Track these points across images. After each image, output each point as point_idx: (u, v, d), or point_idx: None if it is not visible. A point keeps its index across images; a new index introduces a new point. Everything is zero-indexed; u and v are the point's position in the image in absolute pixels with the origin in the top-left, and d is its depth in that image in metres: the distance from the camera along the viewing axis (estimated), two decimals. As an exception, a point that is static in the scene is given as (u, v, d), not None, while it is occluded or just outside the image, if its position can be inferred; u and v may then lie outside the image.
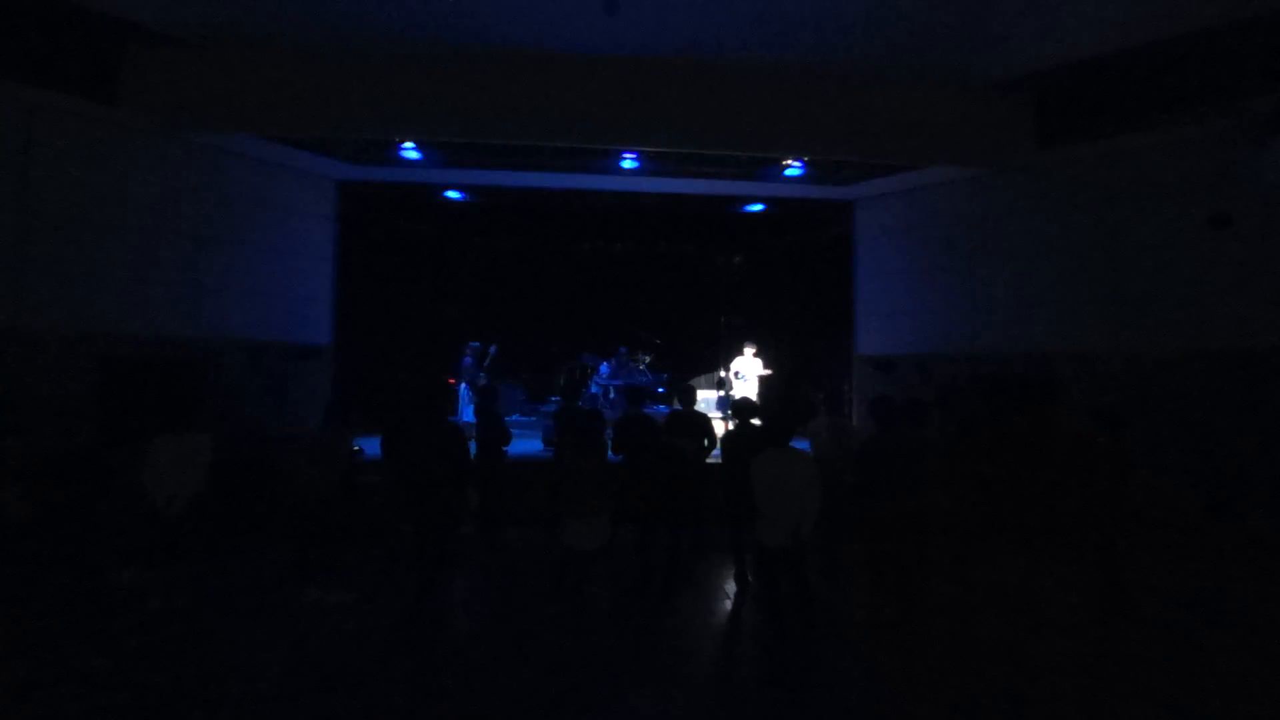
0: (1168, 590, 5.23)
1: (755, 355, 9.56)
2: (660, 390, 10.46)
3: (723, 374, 9.66)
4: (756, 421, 5.65)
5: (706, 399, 10.59)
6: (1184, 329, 6.96)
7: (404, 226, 11.16)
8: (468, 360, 9.43)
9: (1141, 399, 7.04)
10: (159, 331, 7.34)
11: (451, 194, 9.99)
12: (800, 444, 5.03)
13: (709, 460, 6.01)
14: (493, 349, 9.67)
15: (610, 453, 5.79)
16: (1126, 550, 4.96)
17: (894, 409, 4.77)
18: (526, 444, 8.78)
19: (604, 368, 10.40)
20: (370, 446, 7.04)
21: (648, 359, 10.67)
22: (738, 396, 7.60)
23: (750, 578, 5.25)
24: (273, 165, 8.46)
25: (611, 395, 10.04)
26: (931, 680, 3.85)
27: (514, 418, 9.73)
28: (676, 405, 6.27)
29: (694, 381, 10.46)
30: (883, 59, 7.30)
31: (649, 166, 8.59)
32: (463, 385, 9.41)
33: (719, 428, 7.88)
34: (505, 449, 6.34)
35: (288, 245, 8.66)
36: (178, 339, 7.49)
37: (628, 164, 8.50)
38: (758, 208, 10.40)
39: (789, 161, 8.41)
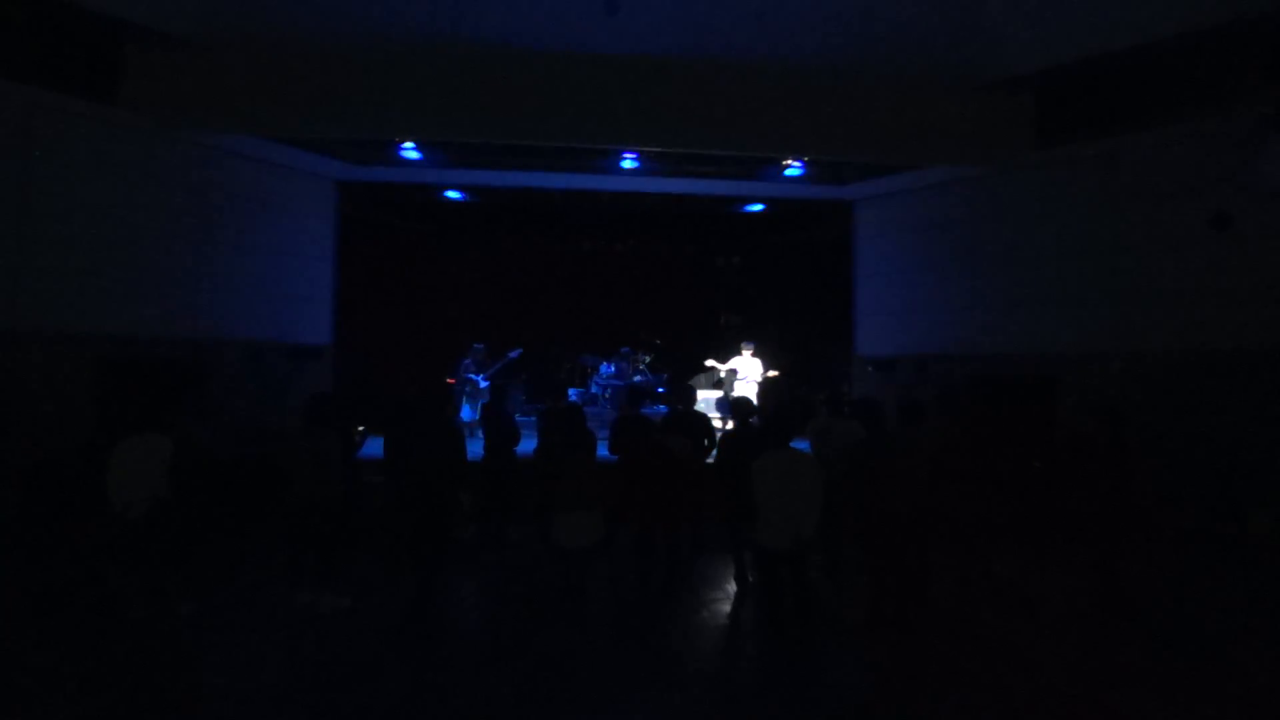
0: (1168, 590, 5.22)
1: (753, 355, 9.53)
2: (660, 390, 10.45)
3: (722, 374, 9.62)
4: (754, 421, 5.64)
5: (706, 399, 10.56)
6: (1184, 329, 6.95)
7: (404, 226, 11.16)
8: (467, 361, 9.40)
9: (1141, 398, 7.04)
10: (159, 331, 7.33)
11: (451, 194, 9.99)
12: (800, 444, 5.02)
13: (709, 460, 6.00)
14: (513, 354, 9.60)
15: (607, 452, 5.78)
16: (1127, 550, 4.96)
17: (881, 410, 4.77)
18: (526, 444, 8.76)
19: (605, 368, 10.39)
20: (371, 447, 7.04)
21: (648, 359, 10.66)
22: (736, 396, 7.58)
23: (750, 578, 5.25)
24: (273, 165, 8.46)
25: (609, 394, 10.02)
26: (931, 680, 3.85)
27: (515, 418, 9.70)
28: (676, 405, 6.26)
29: (693, 381, 10.45)
30: (883, 59, 7.31)
31: (649, 166, 8.60)
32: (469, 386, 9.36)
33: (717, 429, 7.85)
34: (514, 449, 6.35)
35: (288, 245, 8.65)
36: (178, 339, 7.48)
37: (628, 164, 8.50)
38: (758, 208, 10.40)
39: (789, 161, 8.41)
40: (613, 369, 10.28)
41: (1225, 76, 6.60)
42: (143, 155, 7.24)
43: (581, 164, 8.60)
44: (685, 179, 8.99)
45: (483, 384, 9.04)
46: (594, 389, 10.31)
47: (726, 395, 9.33)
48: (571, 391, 10.45)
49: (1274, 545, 6.11)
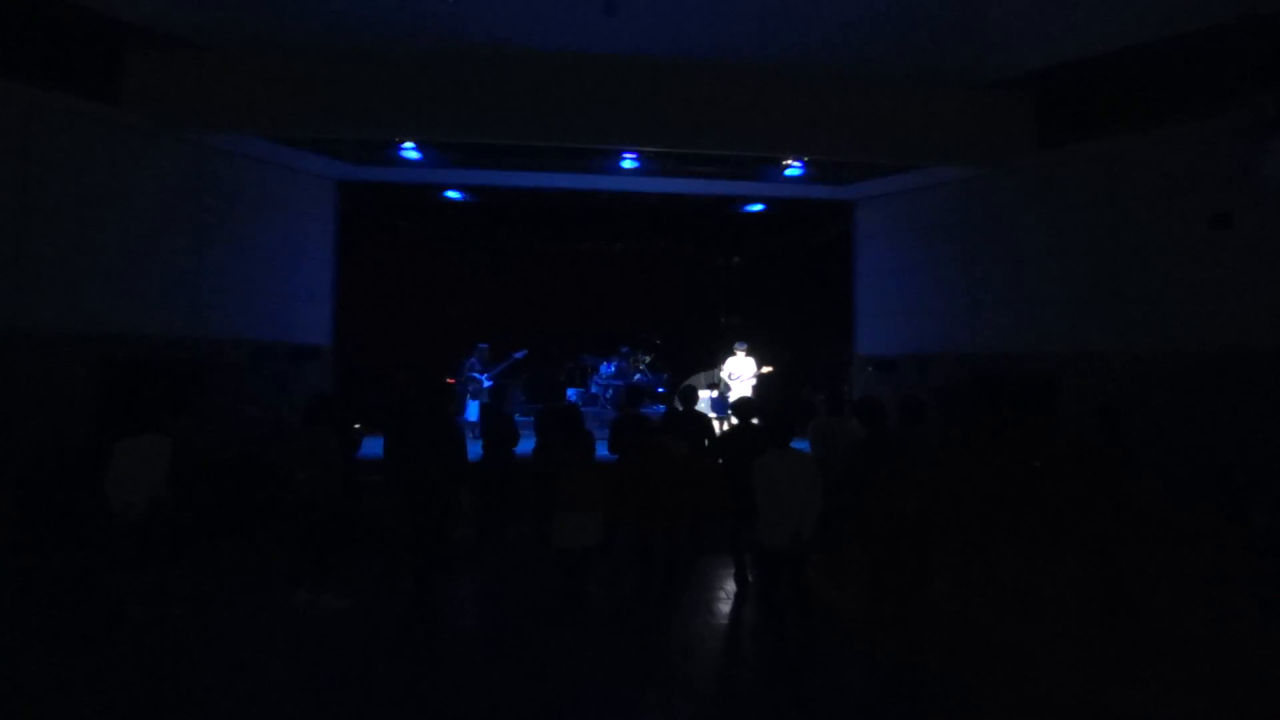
0: (1167, 590, 5.22)
1: (748, 354, 9.49)
2: (660, 390, 10.45)
3: (721, 374, 9.60)
4: (756, 421, 5.64)
5: (702, 399, 10.54)
6: (1184, 329, 6.95)
7: (404, 226, 11.16)
8: (472, 360, 9.40)
9: (1141, 399, 7.04)
10: (159, 331, 7.33)
11: (451, 194, 9.99)
12: (800, 444, 5.02)
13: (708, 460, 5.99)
14: (518, 354, 9.61)
15: (607, 452, 5.78)
16: (1126, 549, 4.96)
17: (881, 409, 4.76)
18: (526, 444, 8.76)
19: (605, 368, 10.39)
20: (371, 446, 7.05)
21: (647, 359, 10.66)
22: (734, 397, 7.57)
23: (750, 578, 5.24)
24: (273, 165, 8.46)
25: (609, 394, 10.02)
26: (931, 680, 3.85)
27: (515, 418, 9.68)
28: (677, 405, 6.26)
29: (692, 380, 10.45)
30: (883, 59, 7.31)
31: (649, 166, 8.59)
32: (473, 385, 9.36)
33: (717, 428, 7.85)
34: (513, 449, 6.35)
35: (288, 245, 8.65)
36: (178, 339, 7.48)
37: (628, 164, 8.49)
38: (758, 208, 10.40)
39: (789, 161, 8.40)
40: (613, 369, 10.29)
41: (1225, 76, 6.59)
42: (143, 155, 7.24)
43: (581, 164, 8.59)
44: (685, 179, 8.98)
45: (487, 384, 9.06)
46: (594, 389, 10.32)
47: (721, 395, 9.31)
48: (571, 391, 10.46)
49: (1274, 544, 6.11)
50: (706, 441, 5.90)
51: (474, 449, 5.91)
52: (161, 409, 4.98)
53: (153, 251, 7.33)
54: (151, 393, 6.73)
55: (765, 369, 9.37)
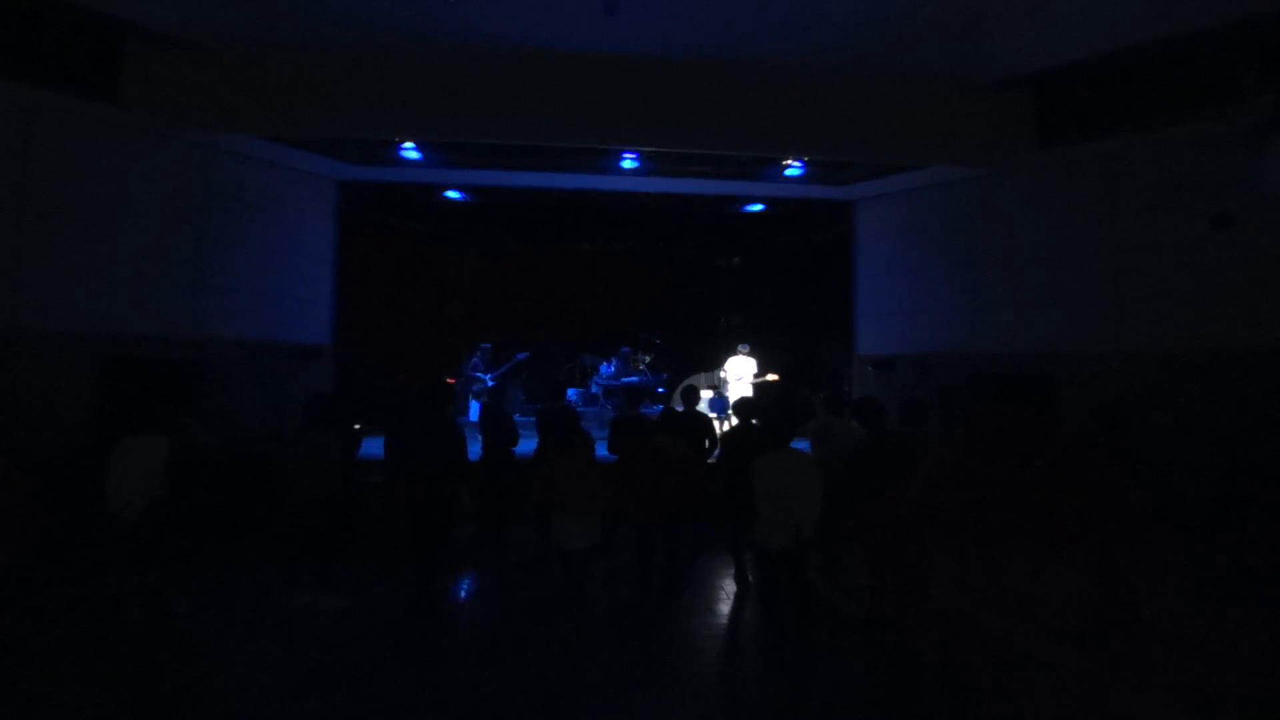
0: (1168, 591, 5.22)
1: (750, 355, 9.46)
2: (660, 390, 10.44)
3: (721, 374, 9.59)
4: (756, 421, 5.63)
5: (702, 399, 10.50)
6: (1184, 329, 6.95)
7: (404, 226, 11.16)
8: (475, 360, 9.40)
9: (1142, 399, 7.04)
10: (159, 331, 7.33)
11: (451, 194, 9.99)
12: (800, 444, 5.02)
13: (710, 460, 5.99)
14: (520, 356, 9.62)
15: (607, 452, 5.78)
16: (1126, 550, 4.95)
17: (881, 409, 4.77)
18: (526, 444, 8.77)
19: (605, 368, 10.39)
20: (371, 446, 7.04)
21: (648, 359, 10.66)
22: (735, 397, 7.56)
23: (750, 578, 5.24)
24: (273, 165, 8.45)
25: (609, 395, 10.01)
26: (931, 681, 3.85)
27: (514, 417, 9.68)
28: (677, 405, 6.26)
29: (692, 380, 10.46)
30: (883, 59, 7.31)
31: (649, 166, 8.60)
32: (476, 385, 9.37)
33: (717, 428, 7.85)
34: (513, 449, 6.35)
35: (288, 245, 8.65)
36: (178, 339, 7.48)
37: (628, 164, 8.50)
38: (758, 208, 10.40)
39: (789, 161, 8.41)
40: (613, 369, 10.28)
41: (1225, 76, 6.59)
42: (143, 155, 7.24)
43: (581, 164, 8.60)
44: (685, 179, 8.99)
45: (490, 384, 9.08)
46: (594, 389, 10.31)
47: (719, 395, 9.31)
48: (571, 391, 10.46)
49: (1274, 546, 6.10)
50: (707, 442, 5.90)
51: (474, 449, 5.92)
52: (161, 409, 4.98)
53: (153, 251, 7.32)
54: (151, 393, 6.72)
55: (771, 376, 9.33)
